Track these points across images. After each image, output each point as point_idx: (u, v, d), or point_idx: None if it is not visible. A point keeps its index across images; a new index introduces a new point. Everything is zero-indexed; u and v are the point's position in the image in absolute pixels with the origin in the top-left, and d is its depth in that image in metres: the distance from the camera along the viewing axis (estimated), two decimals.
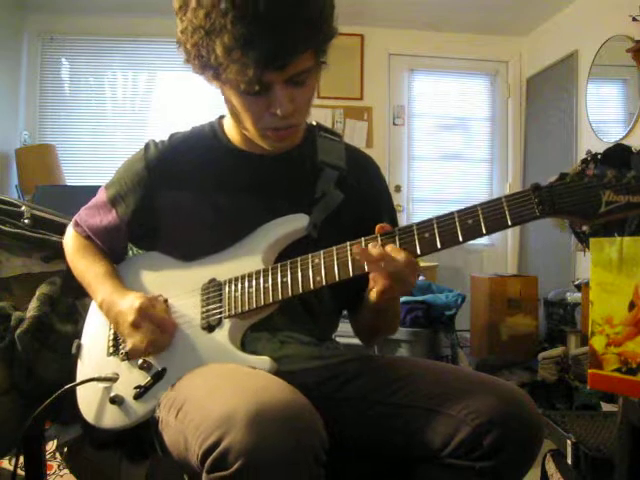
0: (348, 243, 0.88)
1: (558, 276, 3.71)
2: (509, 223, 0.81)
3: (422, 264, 3.45)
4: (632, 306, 1.16)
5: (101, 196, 1.11)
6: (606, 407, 2.24)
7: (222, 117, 1.11)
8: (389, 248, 0.84)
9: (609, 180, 0.78)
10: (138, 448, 1.02)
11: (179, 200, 1.03)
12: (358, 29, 4.21)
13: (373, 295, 0.91)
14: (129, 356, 0.98)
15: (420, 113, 4.43)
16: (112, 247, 1.13)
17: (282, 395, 0.74)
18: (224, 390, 0.78)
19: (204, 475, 0.71)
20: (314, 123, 1.11)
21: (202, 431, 0.73)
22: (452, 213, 0.84)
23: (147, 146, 1.08)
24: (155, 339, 0.94)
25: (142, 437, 0.96)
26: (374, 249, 0.84)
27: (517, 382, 2.73)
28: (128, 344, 0.96)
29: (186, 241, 1.04)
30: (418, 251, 0.84)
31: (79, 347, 1.10)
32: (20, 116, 3.97)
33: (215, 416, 0.72)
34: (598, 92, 3.64)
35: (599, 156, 2.76)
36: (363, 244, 0.87)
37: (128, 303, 0.97)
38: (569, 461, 1.47)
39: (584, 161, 2.87)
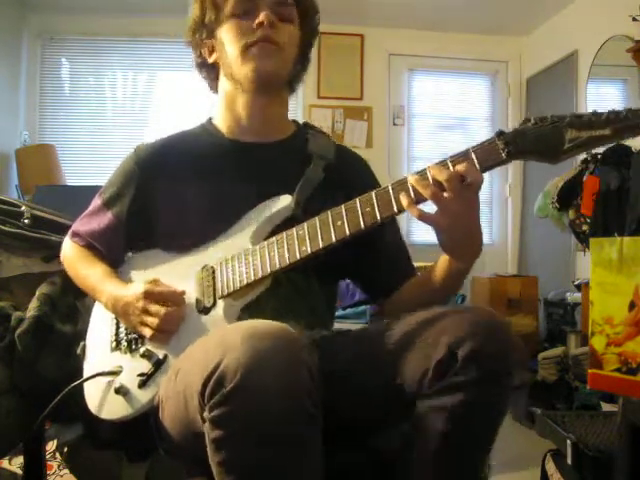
0: (329, 212, 0.91)
1: (558, 276, 3.71)
2: (478, 168, 0.84)
3: (422, 264, 3.45)
4: (632, 306, 1.16)
5: (96, 202, 1.14)
6: (606, 407, 2.24)
7: (211, 118, 1.15)
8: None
9: (570, 119, 0.81)
10: (138, 448, 1.03)
11: (172, 192, 1.06)
12: (358, 29, 4.21)
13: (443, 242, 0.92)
14: (152, 340, 0.98)
15: (420, 113, 4.42)
16: (112, 250, 1.14)
17: (272, 322, 0.77)
18: (217, 334, 0.81)
19: (206, 410, 0.72)
20: (302, 121, 1.18)
21: (201, 364, 0.75)
22: (425, 168, 0.87)
23: (137, 147, 1.12)
24: (168, 314, 0.96)
25: (142, 437, 0.96)
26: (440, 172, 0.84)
27: (517, 382, 2.73)
28: (145, 332, 0.97)
29: (181, 233, 1.06)
30: (395, 208, 0.86)
31: (84, 348, 1.11)
32: (20, 116, 3.96)
33: (212, 347, 0.75)
34: (598, 92, 3.63)
35: (599, 156, 2.75)
36: (343, 210, 0.89)
37: (132, 292, 0.99)
38: (569, 461, 1.47)
39: (584, 161, 2.87)
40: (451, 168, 0.84)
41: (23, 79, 3.98)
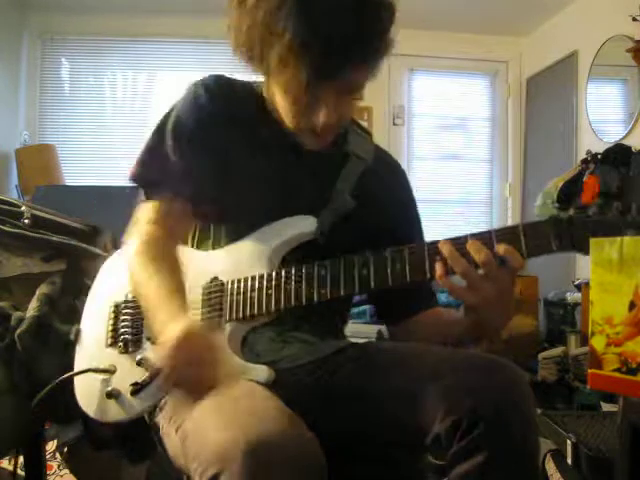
0: (355, 257, 0.87)
1: (558, 276, 3.70)
2: (525, 256, 0.79)
3: None
4: (632, 306, 1.16)
5: (153, 140, 1.00)
6: (606, 407, 2.23)
7: (260, 85, 1.04)
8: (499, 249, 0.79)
9: (633, 217, 0.75)
10: (138, 448, 1.02)
11: (212, 148, 0.97)
12: None
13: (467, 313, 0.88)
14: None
15: (420, 113, 4.42)
16: (196, 188, 0.99)
17: (280, 427, 0.71)
18: (222, 417, 0.75)
19: None
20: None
21: (200, 463, 0.71)
22: (465, 237, 0.81)
23: (207, 79, 0.99)
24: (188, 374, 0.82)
25: (142, 437, 0.96)
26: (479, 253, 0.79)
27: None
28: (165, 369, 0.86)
29: (212, 202, 0.98)
30: (427, 275, 0.82)
31: (78, 333, 1.09)
32: (20, 116, 3.96)
33: (212, 448, 0.70)
34: (598, 92, 3.63)
35: (599, 156, 2.75)
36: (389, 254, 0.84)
37: (170, 332, 0.84)
38: (569, 461, 1.47)
39: (584, 161, 2.87)
40: (494, 243, 0.78)
41: (23, 79, 3.98)
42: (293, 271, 0.90)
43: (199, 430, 0.77)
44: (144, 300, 0.94)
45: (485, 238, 0.80)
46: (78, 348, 1.08)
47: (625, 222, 0.75)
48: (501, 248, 0.78)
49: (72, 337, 1.09)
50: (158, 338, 0.86)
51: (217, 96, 0.99)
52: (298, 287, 0.89)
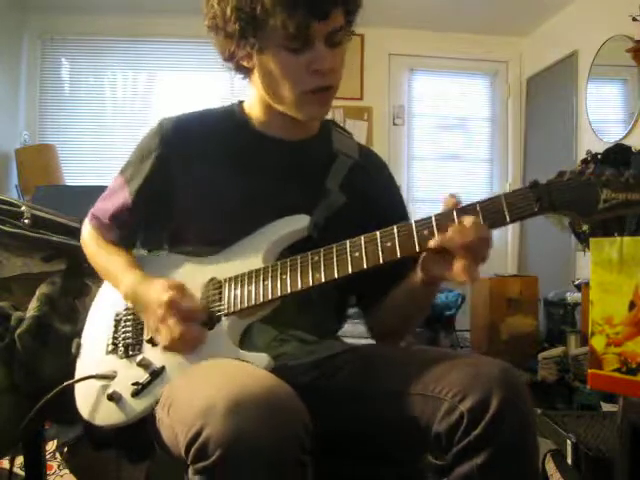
0: (347, 241, 0.88)
1: (558, 276, 3.70)
2: (507, 220, 0.81)
3: None
4: (632, 306, 1.16)
5: (117, 180, 1.09)
6: (606, 407, 2.23)
7: (242, 102, 1.11)
8: (465, 221, 0.81)
9: (607, 178, 0.79)
10: (137, 448, 1.02)
11: (192, 177, 1.03)
12: (358, 29, 4.18)
13: (426, 275, 0.90)
14: (164, 351, 0.95)
15: (420, 113, 4.42)
16: (124, 231, 1.10)
17: (263, 382, 0.75)
18: (207, 383, 0.79)
19: (190, 467, 0.72)
20: (327, 118, 1.13)
21: (185, 423, 0.73)
22: (451, 211, 0.84)
23: (161, 122, 1.06)
24: (183, 336, 0.91)
25: (141, 437, 0.96)
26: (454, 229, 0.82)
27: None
28: (158, 340, 0.94)
29: (195, 223, 1.03)
30: (417, 248, 0.84)
31: (79, 346, 1.10)
32: (20, 116, 3.97)
33: (197, 407, 0.73)
34: (598, 92, 3.63)
35: (599, 156, 2.75)
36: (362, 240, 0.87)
37: (155, 295, 0.94)
38: (569, 461, 1.47)
39: (584, 161, 2.87)
40: (480, 214, 0.81)
41: (23, 79, 3.98)
42: (288, 261, 0.92)
43: (186, 399, 0.80)
44: (104, 274, 1.10)
45: (471, 210, 0.82)
46: (79, 359, 1.09)
47: (600, 182, 0.79)
48: (467, 220, 0.81)
49: (73, 350, 1.10)
50: (133, 301, 0.99)
51: (171, 137, 1.04)
52: (293, 275, 0.90)
